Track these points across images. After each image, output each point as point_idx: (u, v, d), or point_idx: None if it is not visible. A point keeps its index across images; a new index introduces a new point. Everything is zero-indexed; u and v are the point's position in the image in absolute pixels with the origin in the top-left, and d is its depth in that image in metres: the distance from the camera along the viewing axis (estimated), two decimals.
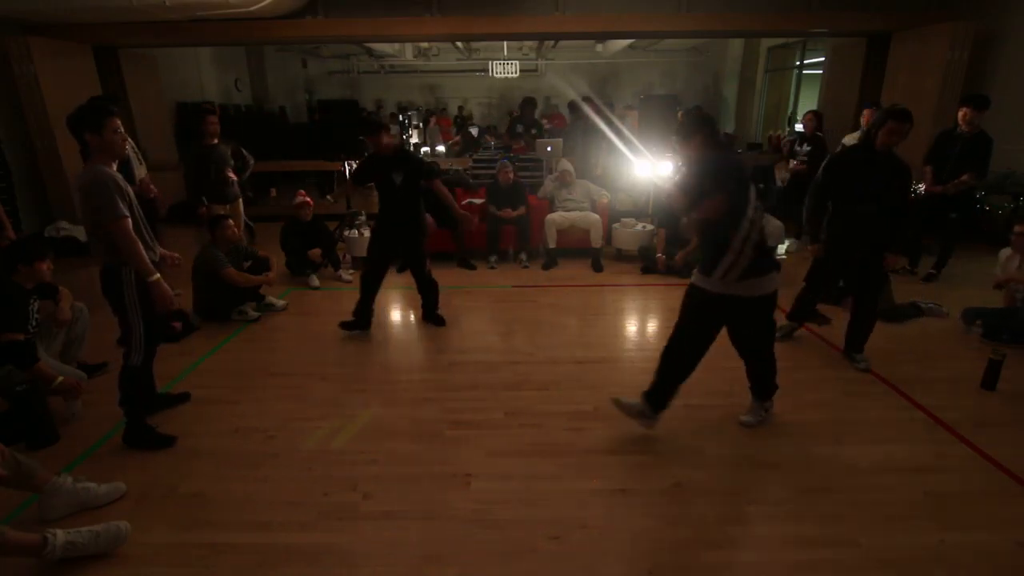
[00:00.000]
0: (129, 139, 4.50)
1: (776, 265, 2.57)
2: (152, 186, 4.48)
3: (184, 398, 3.13)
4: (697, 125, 2.45)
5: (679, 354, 2.64)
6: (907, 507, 2.27)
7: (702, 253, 2.57)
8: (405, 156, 3.98)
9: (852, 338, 3.46)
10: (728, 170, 2.39)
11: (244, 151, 5.00)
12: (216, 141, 4.64)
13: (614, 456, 2.62)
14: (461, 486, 2.42)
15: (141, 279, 2.49)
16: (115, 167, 2.50)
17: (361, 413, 3.00)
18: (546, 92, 15.41)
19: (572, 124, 7.61)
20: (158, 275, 2.51)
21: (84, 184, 2.38)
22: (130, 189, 2.52)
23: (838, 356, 3.58)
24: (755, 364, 2.75)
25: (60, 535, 1.94)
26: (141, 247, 2.45)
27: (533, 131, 8.17)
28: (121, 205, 2.38)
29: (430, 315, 4.24)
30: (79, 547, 1.97)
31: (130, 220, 2.42)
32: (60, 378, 2.77)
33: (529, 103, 9.99)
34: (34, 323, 2.98)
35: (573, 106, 7.46)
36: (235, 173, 4.81)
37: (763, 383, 2.79)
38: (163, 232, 4.86)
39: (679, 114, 8.54)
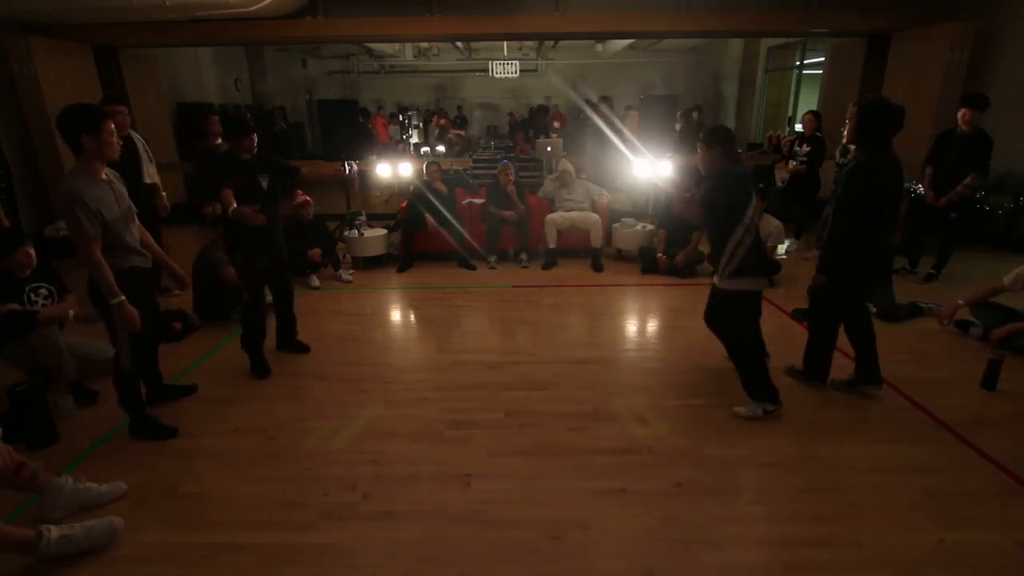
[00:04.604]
0: (139, 136, 4.51)
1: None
2: (166, 204, 4.51)
3: (191, 390, 3.18)
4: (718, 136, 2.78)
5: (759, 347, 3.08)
6: (907, 507, 2.27)
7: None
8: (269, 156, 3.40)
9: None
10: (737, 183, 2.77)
11: None
12: (220, 140, 4.63)
13: (614, 456, 2.62)
14: (461, 486, 2.42)
15: (121, 285, 2.41)
16: (103, 171, 2.46)
17: (361, 413, 3.00)
18: (546, 91, 15.43)
19: (579, 124, 7.73)
20: (122, 298, 2.40)
21: (55, 197, 2.36)
22: (110, 196, 2.43)
23: (838, 356, 3.56)
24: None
25: (54, 530, 1.96)
26: (106, 269, 2.36)
27: (542, 136, 8.39)
28: (86, 225, 2.29)
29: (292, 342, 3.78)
30: (73, 541, 1.98)
31: (95, 241, 2.33)
32: (71, 311, 2.90)
33: (541, 110, 10.32)
34: (39, 307, 2.98)
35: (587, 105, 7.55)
36: None
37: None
38: (164, 233, 4.85)
39: (679, 115, 8.59)
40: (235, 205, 3.06)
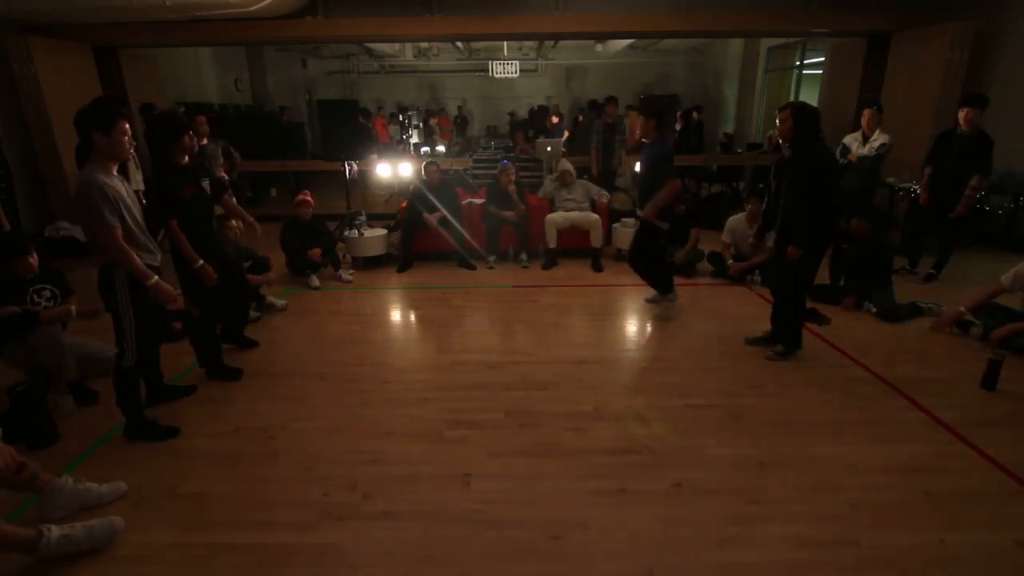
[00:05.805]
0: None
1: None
2: None
3: (191, 390, 3.18)
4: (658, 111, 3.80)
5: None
6: (907, 507, 2.27)
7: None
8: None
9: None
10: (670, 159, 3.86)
11: (232, 150, 5.01)
12: (206, 141, 4.65)
13: (614, 456, 2.62)
14: (461, 486, 2.42)
15: (134, 282, 2.47)
16: (115, 169, 2.49)
17: (361, 413, 3.00)
18: (546, 91, 15.43)
19: (588, 122, 7.73)
20: (156, 278, 2.52)
21: (75, 190, 2.37)
22: (124, 192, 2.47)
23: (838, 356, 3.58)
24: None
25: (55, 529, 1.96)
26: (132, 254, 2.42)
27: (542, 137, 8.46)
28: (107, 213, 2.32)
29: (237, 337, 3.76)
30: (73, 541, 1.98)
31: (118, 229, 2.37)
32: (73, 308, 2.94)
33: (541, 110, 10.39)
34: (41, 307, 2.98)
35: (594, 105, 7.56)
36: (226, 172, 4.82)
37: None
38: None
39: (679, 115, 8.61)
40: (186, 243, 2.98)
